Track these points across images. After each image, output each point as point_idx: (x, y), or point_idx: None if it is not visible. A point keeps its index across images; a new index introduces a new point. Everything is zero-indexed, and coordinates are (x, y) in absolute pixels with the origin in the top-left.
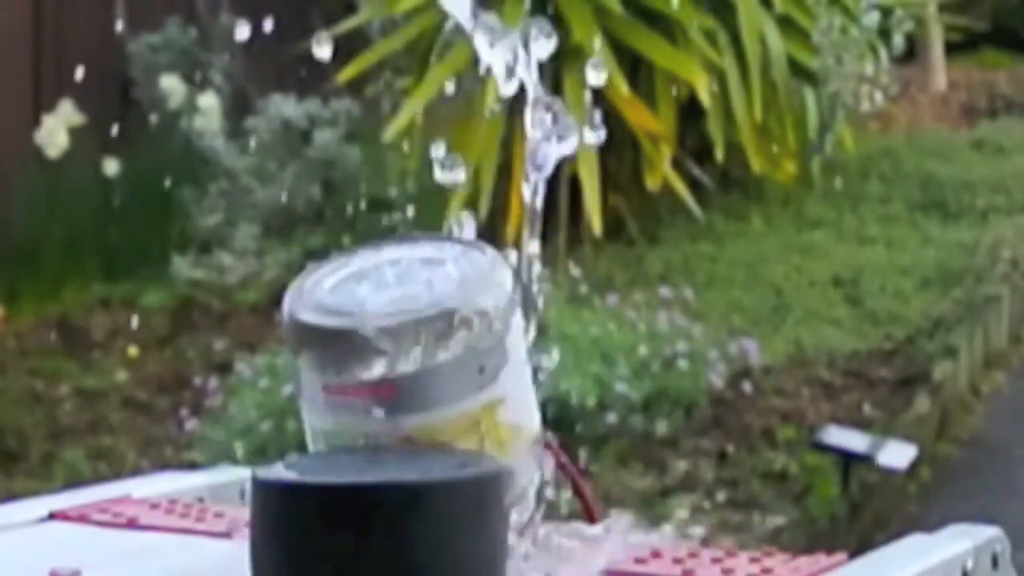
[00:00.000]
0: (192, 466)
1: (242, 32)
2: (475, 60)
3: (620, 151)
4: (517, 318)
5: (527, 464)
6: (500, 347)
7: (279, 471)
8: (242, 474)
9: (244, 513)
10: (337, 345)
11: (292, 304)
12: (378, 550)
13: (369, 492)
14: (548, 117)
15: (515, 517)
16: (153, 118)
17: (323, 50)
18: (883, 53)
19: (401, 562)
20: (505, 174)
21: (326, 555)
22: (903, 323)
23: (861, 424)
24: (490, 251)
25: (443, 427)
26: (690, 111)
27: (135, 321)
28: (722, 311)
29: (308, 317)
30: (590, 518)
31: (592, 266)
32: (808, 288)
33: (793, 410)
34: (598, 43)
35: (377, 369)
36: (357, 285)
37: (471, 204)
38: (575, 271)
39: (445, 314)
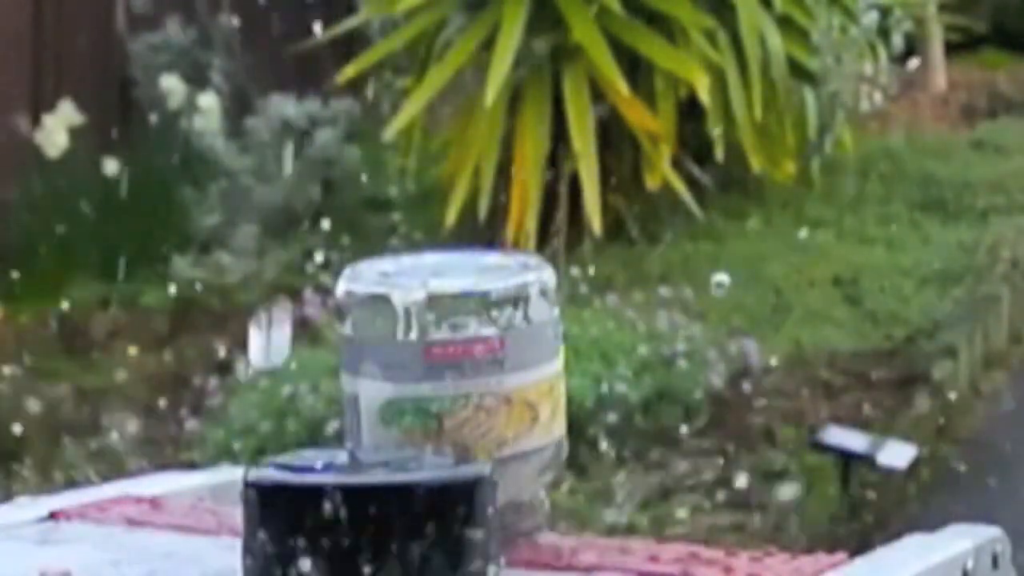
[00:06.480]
0: (192, 466)
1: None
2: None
3: (620, 151)
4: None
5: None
6: (560, 322)
7: (269, 472)
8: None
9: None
10: (455, 302)
11: (385, 275)
12: (365, 551)
13: (356, 493)
14: None
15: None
16: (153, 118)
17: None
18: (883, 53)
19: (388, 563)
20: (505, 174)
21: (313, 556)
22: (903, 323)
23: (861, 424)
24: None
25: (535, 387)
26: (690, 111)
27: (135, 321)
28: (722, 311)
29: (420, 280)
30: None
31: (592, 266)
32: (808, 288)
33: (793, 410)
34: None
35: (492, 325)
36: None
37: (470, 204)
38: (575, 271)
39: (534, 283)
